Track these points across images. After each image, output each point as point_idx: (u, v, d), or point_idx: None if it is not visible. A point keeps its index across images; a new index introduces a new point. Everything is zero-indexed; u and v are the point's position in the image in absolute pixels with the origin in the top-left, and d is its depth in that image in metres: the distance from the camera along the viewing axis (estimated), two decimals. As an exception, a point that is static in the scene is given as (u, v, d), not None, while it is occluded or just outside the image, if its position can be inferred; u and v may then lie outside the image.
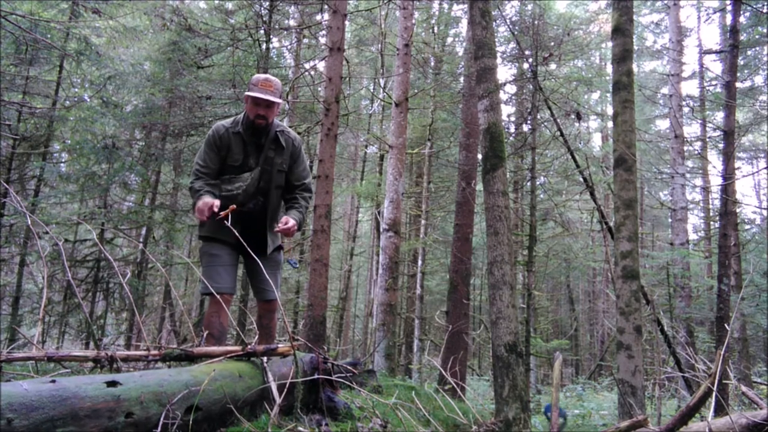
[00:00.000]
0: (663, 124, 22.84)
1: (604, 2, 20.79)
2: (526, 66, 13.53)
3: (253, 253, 3.16)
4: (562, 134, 8.02)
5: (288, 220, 3.31)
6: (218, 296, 3.22)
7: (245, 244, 3.15)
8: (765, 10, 10.48)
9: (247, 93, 3.32)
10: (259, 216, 3.45)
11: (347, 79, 9.92)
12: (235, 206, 3.18)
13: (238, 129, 3.37)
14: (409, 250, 15.74)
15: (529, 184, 11.32)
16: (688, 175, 15.33)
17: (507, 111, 16.98)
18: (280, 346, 2.86)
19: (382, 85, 14.65)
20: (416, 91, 13.00)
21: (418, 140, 15.48)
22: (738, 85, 10.75)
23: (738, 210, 10.68)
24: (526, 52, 11.65)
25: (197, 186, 3.29)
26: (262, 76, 3.35)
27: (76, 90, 10.53)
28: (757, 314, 11.69)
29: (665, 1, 15.02)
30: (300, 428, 2.63)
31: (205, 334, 3.17)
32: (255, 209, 3.43)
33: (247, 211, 3.39)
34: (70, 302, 9.65)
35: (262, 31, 10.20)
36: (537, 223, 11.32)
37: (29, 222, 4.04)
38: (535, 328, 12.87)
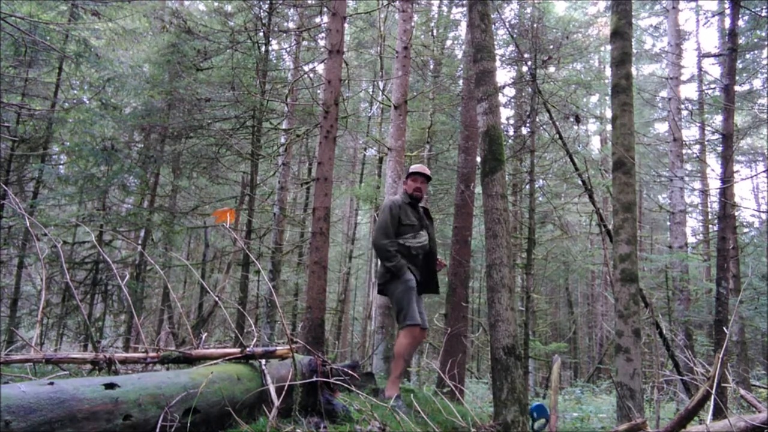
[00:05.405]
0: (662, 127, 22.89)
1: (603, 5, 20.86)
2: (525, 69, 13.55)
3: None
4: (560, 137, 8.03)
5: (442, 261, 5.04)
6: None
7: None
8: (763, 14, 10.51)
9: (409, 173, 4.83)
10: (426, 259, 4.90)
11: (346, 81, 9.93)
12: (234, 209, 3.21)
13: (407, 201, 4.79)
14: (408, 253, 15.68)
15: (528, 187, 11.34)
16: (686, 178, 15.36)
17: (506, 114, 17.01)
18: (278, 348, 2.86)
19: (381, 87, 14.68)
20: (415, 93, 13.00)
21: (417, 143, 15.47)
22: (737, 88, 10.74)
23: (736, 213, 10.68)
24: (525, 55, 11.66)
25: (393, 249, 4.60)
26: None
27: (75, 92, 10.53)
28: (755, 317, 11.70)
29: (664, 5, 15.06)
30: (298, 431, 2.63)
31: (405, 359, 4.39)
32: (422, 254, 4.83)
33: (416, 255, 4.76)
34: (69, 304, 9.64)
35: (261, 34, 10.22)
36: (536, 226, 11.33)
37: (28, 224, 4.04)
38: (533, 331, 12.87)
